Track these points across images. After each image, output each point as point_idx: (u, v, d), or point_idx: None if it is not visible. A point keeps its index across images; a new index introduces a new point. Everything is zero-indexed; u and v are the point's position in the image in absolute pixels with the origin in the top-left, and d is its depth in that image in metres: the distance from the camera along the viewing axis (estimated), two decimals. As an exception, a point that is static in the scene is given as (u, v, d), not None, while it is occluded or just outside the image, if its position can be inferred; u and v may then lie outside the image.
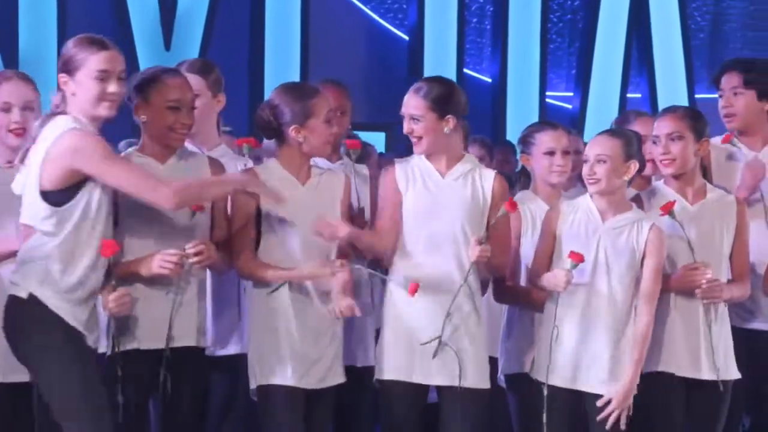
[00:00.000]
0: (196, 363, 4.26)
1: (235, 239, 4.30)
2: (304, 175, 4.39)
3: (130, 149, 4.30)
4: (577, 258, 4.35)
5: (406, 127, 4.46)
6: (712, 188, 4.74)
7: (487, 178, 4.50)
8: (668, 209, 4.54)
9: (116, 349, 4.02)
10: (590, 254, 4.42)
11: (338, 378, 4.36)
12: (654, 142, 4.77)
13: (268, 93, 4.54)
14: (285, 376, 4.26)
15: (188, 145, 4.48)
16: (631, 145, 4.49)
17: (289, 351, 4.29)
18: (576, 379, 4.43)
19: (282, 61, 8.66)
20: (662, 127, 4.74)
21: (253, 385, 4.31)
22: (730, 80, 5.14)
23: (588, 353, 4.44)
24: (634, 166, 4.46)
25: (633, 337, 4.43)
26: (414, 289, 4.26)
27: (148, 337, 4.06)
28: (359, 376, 4.54)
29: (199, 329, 4.22)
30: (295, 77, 8.31)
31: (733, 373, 4.64)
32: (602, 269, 4.45)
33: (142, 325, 4.05)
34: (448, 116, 4.44)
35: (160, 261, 3.96)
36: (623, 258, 4.44)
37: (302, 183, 4.38)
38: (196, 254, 4.02)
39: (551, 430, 4.41)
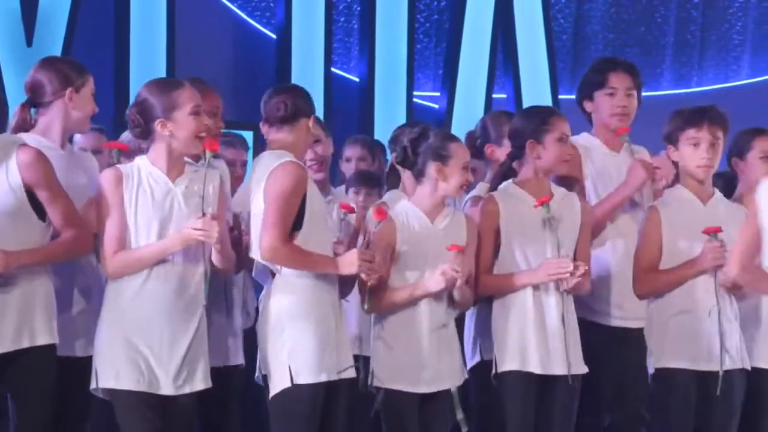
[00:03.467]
0: (38, 364, 4.18)
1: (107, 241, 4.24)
2: (175, 173, 4.33)
3: None
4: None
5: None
6: (555, 188, 4.87)
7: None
8: (543, 202, 4.66)
9: None
10: (428, 256, 4.50)
11: (198, 384, 4.28)
12: None
13: (134, 91, 4.47)
14: (139, 382, 4.19)
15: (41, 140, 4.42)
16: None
17: (140, 353, 4.21)
18: (416, 382, 4.49)
19: (148, 59, 8.54)
20: None
21: (94, 385, 4.22)
22: (623, 80, 5.25)
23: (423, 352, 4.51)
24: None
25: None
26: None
27: None
28: (225, 376, 4.50)
29: (30, 330, 4.14)
30: (161, 76, 8.20)
31: (582, 368, 4.76)
32: (432, 264, 4.53)
33: None
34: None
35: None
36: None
37: (172, 180, 4.32)
38: None
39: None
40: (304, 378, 4.27)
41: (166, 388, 4.19)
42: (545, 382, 4.72)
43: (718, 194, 4.94)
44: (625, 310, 5.07)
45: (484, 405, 4.82)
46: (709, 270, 4.73)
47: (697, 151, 4.86)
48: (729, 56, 10.96)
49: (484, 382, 4.73)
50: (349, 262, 4.28)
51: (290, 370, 4.26)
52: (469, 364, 4.83)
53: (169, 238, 4.19)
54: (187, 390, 4.24)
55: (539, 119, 4.80)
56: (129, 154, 4.57)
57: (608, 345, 4.99)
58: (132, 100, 4.43)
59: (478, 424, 4.87)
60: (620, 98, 5.20)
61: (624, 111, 5.19)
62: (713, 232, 4.71)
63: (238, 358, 4.60)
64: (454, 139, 4.69)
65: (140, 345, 4.19)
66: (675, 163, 4.97)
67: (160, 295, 4.23)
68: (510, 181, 4.85)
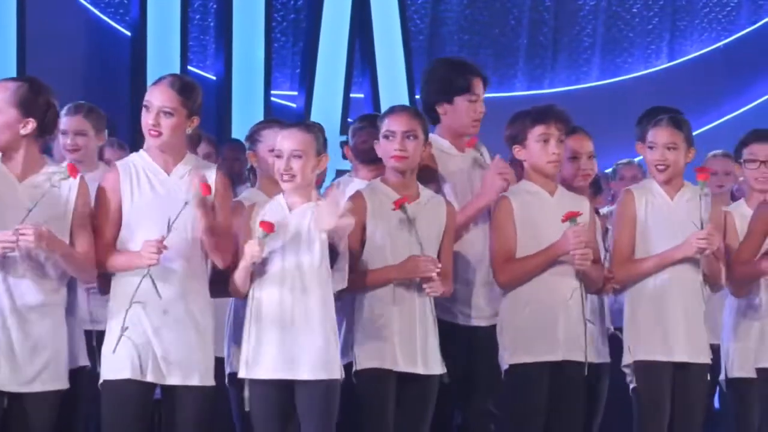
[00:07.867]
0: None
1: None
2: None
3: None
4: (268, 228, 4.43)
5: (152, 119, 4.40)
6: (423, 188, 4.91)
7: (210, 174, 4.50)
8: (400, 204, 4.70)
9: None
10: (282, 243, 4.51)
11: (52, 383, 4.24)
12: (386, 137, 4.88)
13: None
14: None
15: None
16: (321, 140, 4.63)
17: None
18: (288, 370, 4.48)
19: (-4, 56, 8.36)
20: (399, 124, 4.86)
21: None
22: (483, 88, 5.31)
23: (299, 341, 4.51)
24: (325, 159, 4.60)
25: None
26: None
27: None
28: (75, 378, 4.46)
29: None
30: (12, 74, 8.02)
31: (439, 368, 4.79)
32: (291, 255, 4.52)
33: None
34: (194, 116, 4.46)
35: None
36: (311, 241, 4.54)
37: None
38: None
39: (262, 423, 4.45)
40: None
41: (17, 385, 4.17)
42: (405, 380, 4.74)
43: (561, 188, 5.07)
44: (473, 308, 5.12)
45: (345, 403, 4.83)
46: (569, 254, 4.85)
47: (547, 147, 4.99)
48: (580, 58, 11.21)
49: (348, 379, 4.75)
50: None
51: None
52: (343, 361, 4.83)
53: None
54: (39, 388, 4.21)
55: (425, 121, 4.90)
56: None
57: (456, 343, 5.04)
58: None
59: (341, 423, 4.88)
60: (479, 104, 5.27)
61: (479, 117, 5.28)
62: (572, 217, 4.84)
63: (85, 360, 4.60)
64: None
65: None
66: (519, 163, 5.07)
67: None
68: (378, 178, 4.89)
